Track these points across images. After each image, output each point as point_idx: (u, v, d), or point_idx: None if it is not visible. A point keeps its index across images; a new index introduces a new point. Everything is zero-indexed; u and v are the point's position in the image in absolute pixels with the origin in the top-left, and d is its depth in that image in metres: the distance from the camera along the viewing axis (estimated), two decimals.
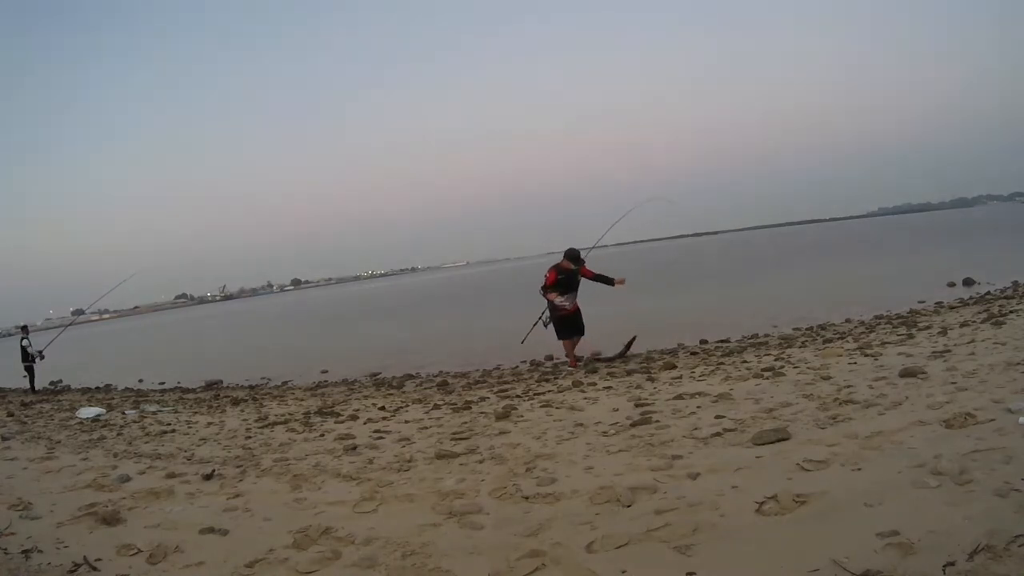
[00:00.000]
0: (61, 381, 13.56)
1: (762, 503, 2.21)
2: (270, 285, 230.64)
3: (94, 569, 2.23)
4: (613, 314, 15.52)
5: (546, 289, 7.28)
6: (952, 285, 12.21)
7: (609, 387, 5.46)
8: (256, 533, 2.57)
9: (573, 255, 7.27)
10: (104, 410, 7.28)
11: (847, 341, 6.74)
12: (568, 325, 7.32)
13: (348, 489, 3.13)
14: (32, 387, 11.88)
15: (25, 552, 2.36)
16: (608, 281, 7.34)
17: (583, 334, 7.48)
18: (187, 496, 3.19)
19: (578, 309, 7.39)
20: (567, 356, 7.47)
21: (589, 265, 7.46)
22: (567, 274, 7.20)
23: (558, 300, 7.16)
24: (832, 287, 14.98)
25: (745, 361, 6.10)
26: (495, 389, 6.25)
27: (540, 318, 7.90)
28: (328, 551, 2.31)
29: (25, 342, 11.86)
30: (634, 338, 7.90)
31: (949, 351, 4.83)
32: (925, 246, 28.48)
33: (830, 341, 7.04)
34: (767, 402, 3.91)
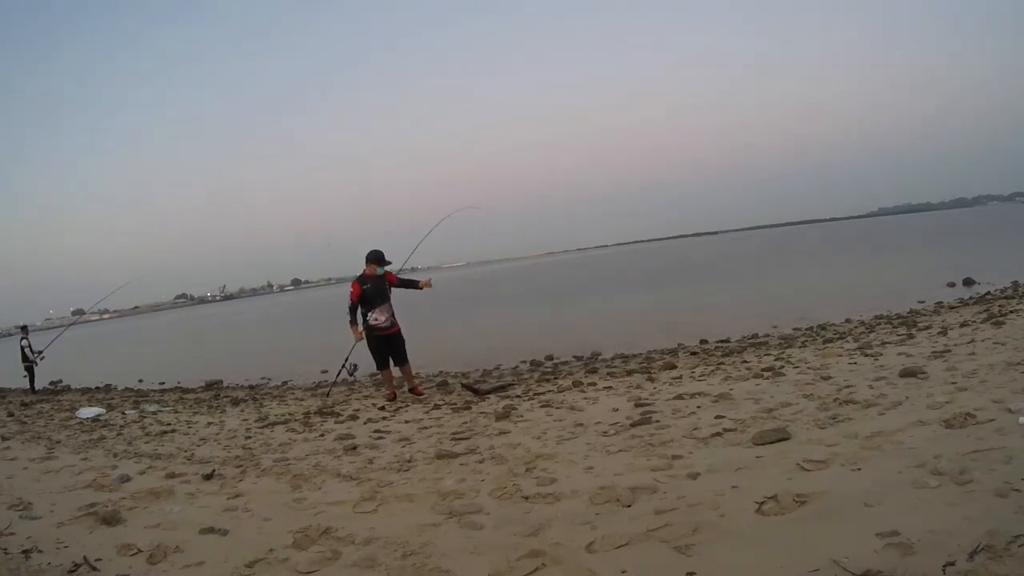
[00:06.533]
0: (61, 381, 13.57)
1: (762, 503, 2.21)
2: (270, 285, 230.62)
3: (94, 569, 2.23)
4: (614, 314, 15.54)
5: (351, 311, 6.02)
6: (952, 285, 12.23)
7: (609, 387, 5.46)
8: (256, 533, 2.57)
9: (377, 257, 6.04)
10: (104, 410, 7.28)
11: (847, 341, 6.74)
12: (385, 349, 6.07)
13: (348, 489, 3.12)
14: (32, 387, 11.89)
15: (25, 552, 2.36)
16: (415, 285, 6.25)
17: (406, 362, 6.17)
18: (187, 496, 3.19)
19: (398, 329, 6.14)
20: (386, 388, 6.33)
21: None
22: (373, 282, 5.98)
23: (371, 316, 5.96)
24: (832, 287, 15.00)
25: (745, 361, 6.10)
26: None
27: (344, 364, 6.85)
28: (328, 551, 2.30)
29: (24, 343, 11.86)
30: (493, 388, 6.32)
31: (949, 351, 4.83)
32: (925, 246, 28.50)
33: (830, 341, 7.05)
34: (767, 402, 3.91)
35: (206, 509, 2.94)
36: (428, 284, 6.29)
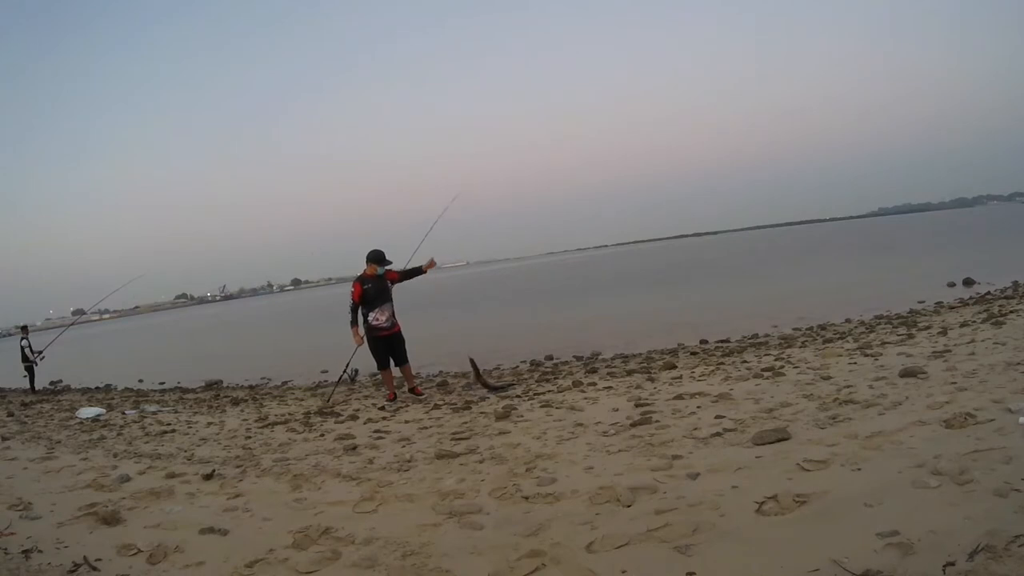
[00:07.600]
0: (61, 381, 13.57)
1: (762, 503, 2.21)
2: (270, 285, 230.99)
3: (94, 569, 2.23)
4: (614, 314, 15.54)
5: (353, 311, 5.95)
6: (952, 285, 12.23)
7: (609, 387, 5.46)
8: (256, 533, 2.57)
9: (377, 256, 5.98)
10: (104, 410, 7.28)
11: (847, 341, 6.74)
12: (385, 349, 6.02)
13: (348, 489, 3.12)
14: (32, 387, 11.90)
15: (25, 552, 2.36)
16: (419, 271, 6.19)
17: (406, 362, 6.14)
18: (187, 496, 3.19)
19: (399, 329, 6.09)
20: (386, 388, 6.28)
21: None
22: (374, 282, 5.93)
23: (371, 317, 5.90)
24: (832, 287, 14.99)
25: (745, 361, 6.10)
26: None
27: (346, 370, 7.09)
28: (328, 551, 2.30)
29: (24, 343, 11.87)
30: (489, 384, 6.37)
31: (949, 351, 4.83)
32: (925, 246, 28.50)
33: (830, 341, 7.05)
34: (767, 402, 3.91)
35: (206, 509, 2.94)
36: (432, 264, 6.20)
